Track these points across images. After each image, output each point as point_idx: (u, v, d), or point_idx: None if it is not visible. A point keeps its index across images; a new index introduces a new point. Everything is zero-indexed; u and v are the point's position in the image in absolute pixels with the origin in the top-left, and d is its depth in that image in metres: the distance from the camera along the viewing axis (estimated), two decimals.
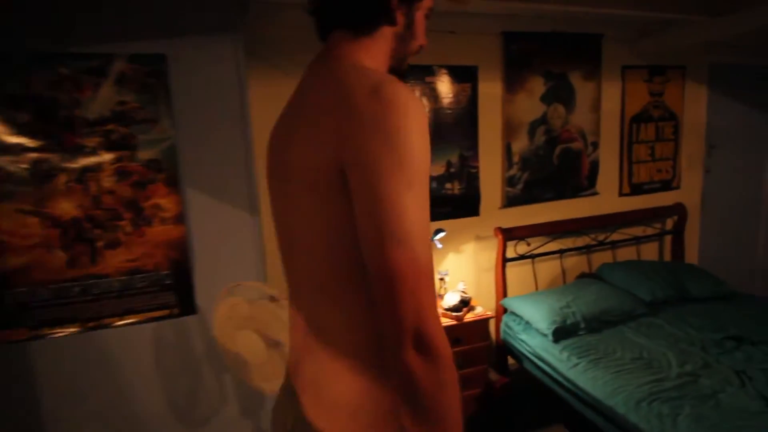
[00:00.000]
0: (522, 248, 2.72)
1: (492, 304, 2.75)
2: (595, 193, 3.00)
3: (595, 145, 2.94)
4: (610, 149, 3.02)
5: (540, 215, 2.83)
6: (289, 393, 0.70)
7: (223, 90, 1.59)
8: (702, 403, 1.67)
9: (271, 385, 1.47)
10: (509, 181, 2.75)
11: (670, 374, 1.88)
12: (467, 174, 2.65)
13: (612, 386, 1.84)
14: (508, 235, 2.60)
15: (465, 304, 2.36)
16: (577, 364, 2.02)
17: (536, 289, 2.76)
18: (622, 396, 1.77)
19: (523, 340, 2.36)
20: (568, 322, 2.26)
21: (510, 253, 2.68)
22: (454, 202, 2.64)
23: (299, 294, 0.71)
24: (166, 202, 1.51)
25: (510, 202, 2.77)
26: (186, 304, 1.61)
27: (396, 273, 0.51)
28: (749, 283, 3.75)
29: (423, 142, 0.55)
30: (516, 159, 2.74)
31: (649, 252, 3.24)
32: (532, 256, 2.74)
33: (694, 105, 3.25)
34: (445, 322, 2.27)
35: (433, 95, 2.49)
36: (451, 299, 2.33)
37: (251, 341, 1.48)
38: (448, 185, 2.61)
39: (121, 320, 1.60)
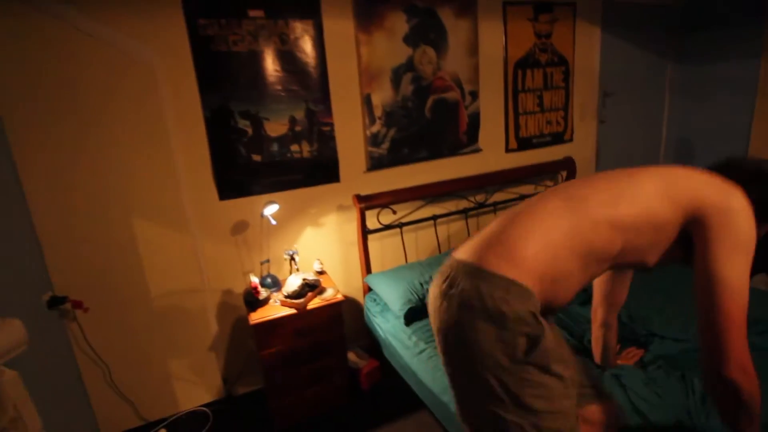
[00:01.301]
0: (388, 217, 2.38)
1: (360, 282, 2.43)
2: (477, 150, 2.69)
3: (474, 95, 2.60)
4: (493, 100, 2.70)
5: (414, 178, 2.49)
6: (473, 273, 0.89)
7: None
8: None
9: None
10: (373, 140, 2.36)
11: None
12: (319, 133, 2.22)
13: None
14: (368, 202, 2.25)
15: (311, 287, 2.01)
16: (422, 351, 1.74)
17: (407, 262, 2.46)
18: None
19: (378, 324, 2.06)
20: (427, 300, 1.97)
21: (374, 224, 2.34)
22: (306, 168, 2.23)
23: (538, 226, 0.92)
24: None
25: (375, 164, 2.39)
26: None
27: (727, 316, 0.81)
28: None
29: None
30: (379, 113, 2.34)
31: None
32: (400, 225, 2.41)
33: (586, 48, 2.97)
34: (283, 312, 1.91)
35: (261, 34, 2.00)
36: (291, 284, 1.96)
37: None
38: (294, 147, 2.18)
39: None
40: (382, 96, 2.33)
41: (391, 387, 2.20)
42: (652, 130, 3.55)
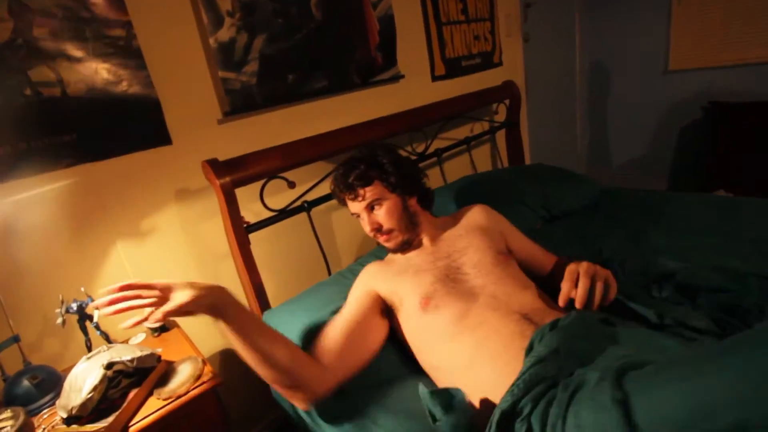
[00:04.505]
0: (282, 196, 1.33)
1: None
2: (399, 77, 1.77)
3: None
4: None
5: (309, 125, 1.46)
6: None
7: None
8: None
9: None
10: (225, 58, 1.26)
11: None
12: (101, 42, 1.05)
13: None
14: (238, 172, 1.15)
15: (135, 377, 0.89)
16: None
17: (330, 274, 1.44)
18: None
19: (302, 417, 1.03)
20: None
21: (258, 211, 1.27)
22: (83, 119, 1.05)
23: None
24: None
25: (239, 104, 1.30)
26: None
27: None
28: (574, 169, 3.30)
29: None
30: (228, 5, 1.24)
31: (482, 157, 2.28)
32: (305, 207, 1.37)
33: None
34: None
35: None
36: (76, 385, 0.82)
37: None
38: (41, 74, 0.98)
39: None
40: None
41: None
42: (568, 51, 3.06)
